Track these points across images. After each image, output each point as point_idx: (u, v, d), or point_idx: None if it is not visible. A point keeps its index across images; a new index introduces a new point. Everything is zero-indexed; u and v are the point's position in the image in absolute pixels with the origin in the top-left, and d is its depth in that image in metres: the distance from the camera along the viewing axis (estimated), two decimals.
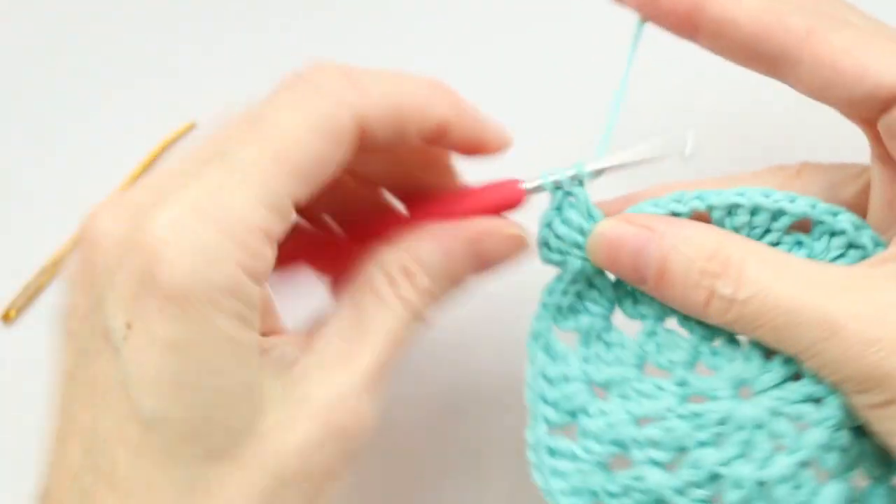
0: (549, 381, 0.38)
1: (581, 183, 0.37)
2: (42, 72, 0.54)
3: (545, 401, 0.38)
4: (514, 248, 0.37)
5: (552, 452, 0.38)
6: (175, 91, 0.54)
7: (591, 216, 0.37)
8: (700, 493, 0.36)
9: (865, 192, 0.37)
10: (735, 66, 0.37)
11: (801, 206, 0.36)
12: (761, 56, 0.34)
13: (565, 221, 0.37)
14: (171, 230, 0.30)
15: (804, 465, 0.35)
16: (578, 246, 0.38)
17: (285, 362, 0.34)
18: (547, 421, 0.38)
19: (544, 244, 0.38)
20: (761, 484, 0.35)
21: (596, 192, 0.38)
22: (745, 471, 0.35)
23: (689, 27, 0.35)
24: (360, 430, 0.33)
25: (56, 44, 0.55)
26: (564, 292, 0.39)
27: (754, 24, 0.34)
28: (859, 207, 0.37)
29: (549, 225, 0.38)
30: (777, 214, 0.36)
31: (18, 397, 0.48)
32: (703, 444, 0.36)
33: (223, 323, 0.31)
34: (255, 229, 0.31)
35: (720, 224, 0.37)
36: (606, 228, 0.36)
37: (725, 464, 0.36)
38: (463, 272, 0.36)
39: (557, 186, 0.37)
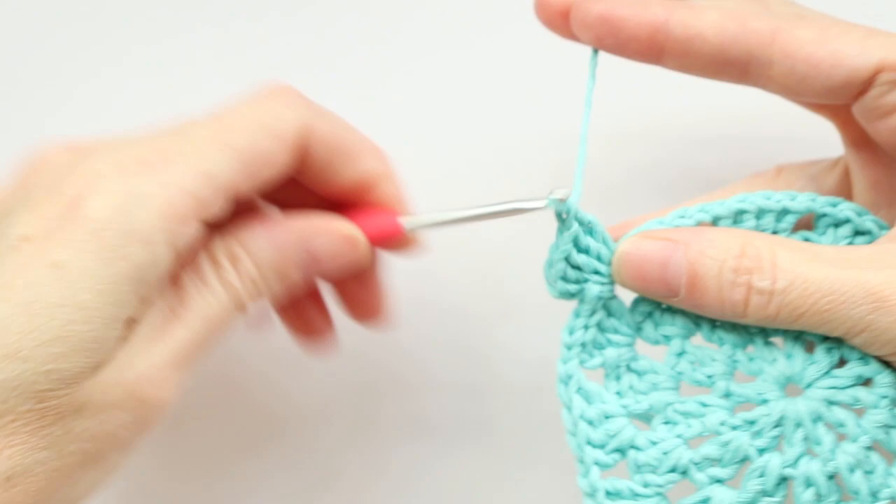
0: (590, 423, 0.38)
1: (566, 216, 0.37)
2: (41, 71, 0.54)
3: (591, 444, 0.38)
4: (347, 250, 0.37)
5: (611, 495, 0.37)
6: (175, 91, 0.54)
7: (605, 243, 0.37)
8: (771, 500, 0.36)
9: (844, 179, 0.38)
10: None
11: (802, 202, 0.36)
12: (731, 65, 0.35)
13: (584, 250, 0.37)
14: (112, 168, 0.32)
15: (871, 448, 0.35)
16: (597, 272, 0.37)
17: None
18: (598, 464, 0.38)
19: (561, 278, 0.38)
20: (832, 477, 0.35)
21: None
22: (813, 468, 0.35)
23: (653, 51, 0.35)
24: (157, 403, 0.33)
25: (55, 43, 0.55)
26: (586, 327, 0.38)
27: (720, 34, 0.34)
28: (843, 195, 0.37)
29: (566, 258, 0.37)
30: (781, 214, 0.37)
31: None
32: (763, 450, 0.36)
33: (114, 266, 0.31)
34: (187, 196, 0.33)
35: None
36: (629, 247, 0.36)
37: (792, 465, 0.36)
38: (292, 268, 0.36)
39: (563, 218, 0.37)
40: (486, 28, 0.53)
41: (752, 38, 0.34)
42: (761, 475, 0.36)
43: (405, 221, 0.38)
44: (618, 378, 0.38)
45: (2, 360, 0.31)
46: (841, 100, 0.34)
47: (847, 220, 0.37)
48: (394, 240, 0.38)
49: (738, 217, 0.37)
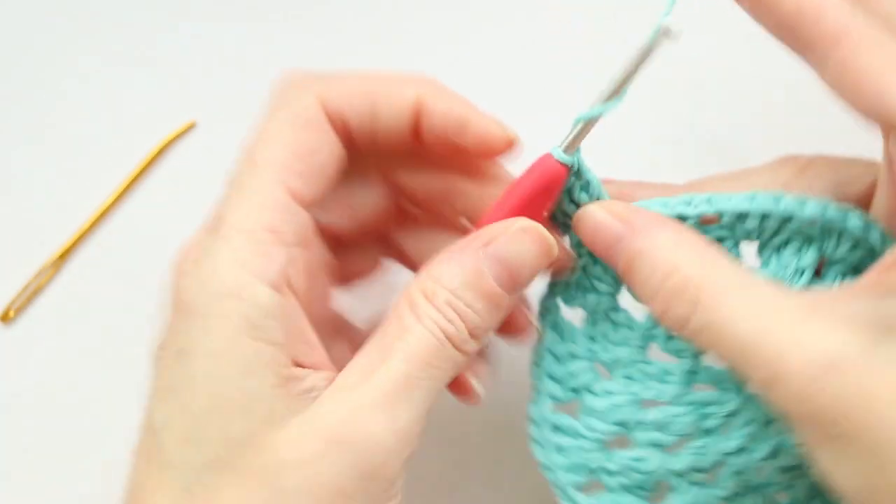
0: (556, 357, 0.39)
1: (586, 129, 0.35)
2: (43, 71, 0.54)
3: (551, 377, 0.39)
4: (534, 246, 0.35)
5: (555, 429, 0.39)
6: (175, 91, 0.54)
7: (598, 197, 0.37)
8: (700, 476, 0.37)
9: (869, 192, 0.36)
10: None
11: (811, 209, 0.35)
12: (795, 40, 0.34)
13: (573, 200, 0.37)
14: (185, 255, 0.34)
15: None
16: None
17: (311, 393, 0.34)
18: (552, 397, 0.39)
19: (551, 219, 0.38)
20: (761, 468, 0.37)
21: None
22: (752, 458, 0.36)
23: None
24: (371, 445, 0.32)
25: (55, 43, 0.55)
26: (571, 269, 0.39)
27: (793, 10, 0.33)
28: (864, 204, 0.36)
29: (558, 204, 0.37)
30: (786, 219, 0.36)
31: (18, 397, 0.48)
32: (708, 431, 0.37)
33: (222, 328, 0.32)
34: (243, 233, 0.33)
35: (731, 228, 0.36)
36: (589, 213, 0.36)
37: (733, 454, 0.37)
38: (490, 285, 0.35)
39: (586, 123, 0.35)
40: None
41: (818, 31, 0.33)
42: (699, 454, 0.37)
43: (555, 152, 0.36)
44: (594, 323, 0.39)
45: (181, 445, 0.32)
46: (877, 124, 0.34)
47: (853, 232, 0.36)
48: (560, 182, 0.36)
49: (741, 217, 0.36)
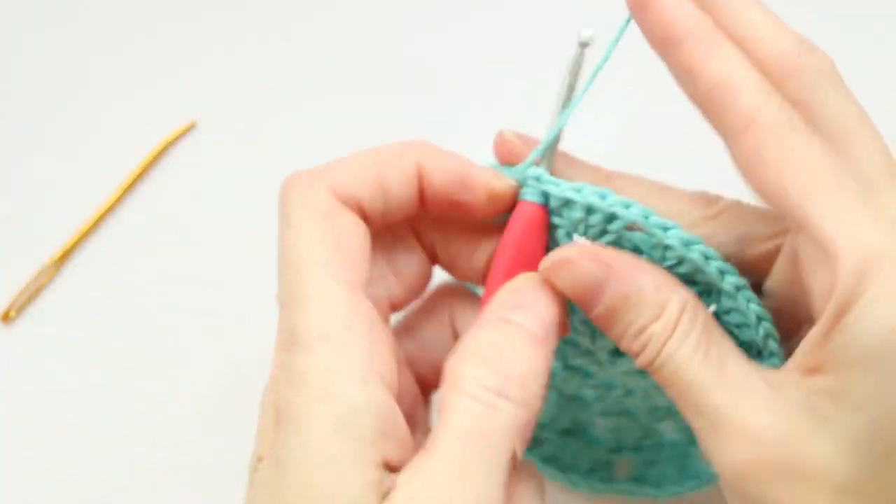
0: None
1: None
2: (43, 70, 0.54)
3: None
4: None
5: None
6: (175, 91, 0.54)
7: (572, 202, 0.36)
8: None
9: (772, 255, 0.36)
10: None
11: (633, 213, 0.35)
12: (710, 116, 0.33)
13: (567, 233, 0.37)
14: (273, 371, 0.34)
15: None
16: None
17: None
18: None
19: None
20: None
21: None
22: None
23: (662, 48, 0.34)
24: None
25: (56, 43, 0.55)
26: None
27: (709, 87, 0.33)
28: (766, 264, 0.36)
29: (551, 242, 0.37)
30: (611, 217, 0.35)
31: (18, 397, 0.48)
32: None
33: (314, 431, 0.31)
34: (330, 331, 0.32)
35: (558, 214, 0.36)
36: (566, 257, 0.35)
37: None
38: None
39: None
40: None
41: (728, 114, 0.32)
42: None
43: (526, 195, 0.36)
44: None
45: None
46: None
47: (672, 247, 0.35)
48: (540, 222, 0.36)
49: (567, 203, 0.36)
